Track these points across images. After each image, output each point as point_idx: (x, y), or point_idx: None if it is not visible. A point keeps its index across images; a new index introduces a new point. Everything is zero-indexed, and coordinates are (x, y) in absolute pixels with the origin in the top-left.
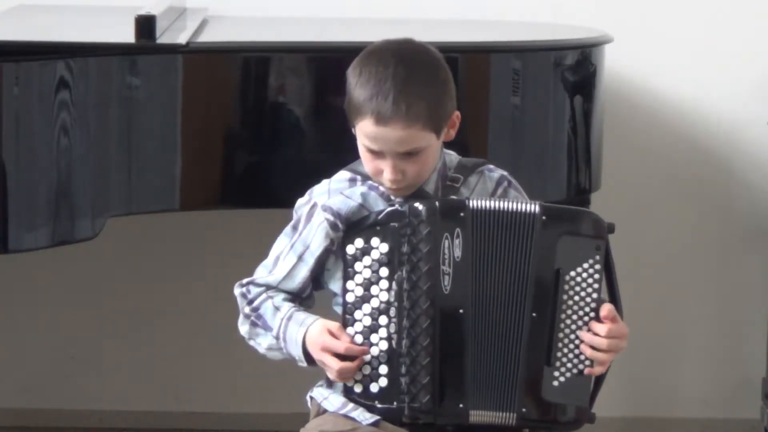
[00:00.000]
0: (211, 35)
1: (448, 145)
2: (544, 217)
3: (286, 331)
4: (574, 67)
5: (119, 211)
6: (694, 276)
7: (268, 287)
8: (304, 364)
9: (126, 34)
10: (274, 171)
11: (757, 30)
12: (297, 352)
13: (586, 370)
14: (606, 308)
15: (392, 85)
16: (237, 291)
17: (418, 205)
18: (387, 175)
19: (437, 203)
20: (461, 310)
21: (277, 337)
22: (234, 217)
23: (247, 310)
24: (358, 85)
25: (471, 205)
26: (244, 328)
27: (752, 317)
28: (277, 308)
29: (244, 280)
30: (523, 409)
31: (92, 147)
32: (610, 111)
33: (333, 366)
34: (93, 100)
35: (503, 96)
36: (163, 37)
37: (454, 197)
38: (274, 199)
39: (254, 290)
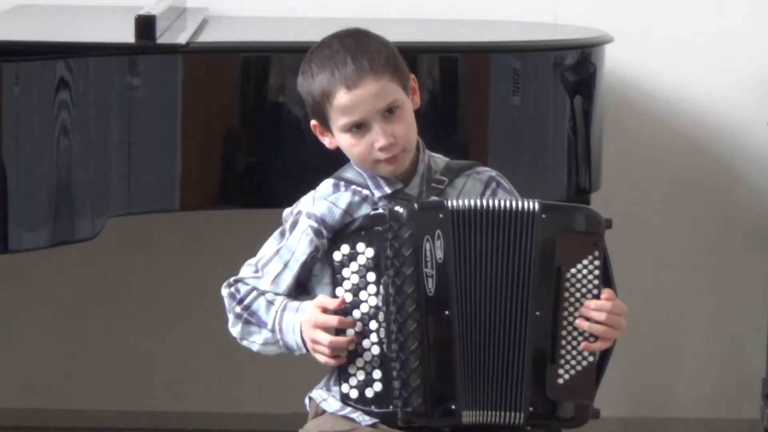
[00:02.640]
0: (211, 35)
1: (445, 147)
2: (543, 215)
3: (282, 321)
4: (574, 67)
5: (119, 211)
6: (694, 276)
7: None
8: (303, 351)
9: (126, 34)
10: (274, 171)
11: (757, 30)
12: (295, 340)
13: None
14: (606, 291)
15: (346, 53)
16: (224, 291)
17: (398, 209)
18: (379, 143)
19: (416, 205)
20: (447, 312)
21: (273, 330)
22: (234, 217)
23: (238, 309)
24: (315, 78)
25: (450, 205)
26: (236, 328)
27: (752, 317)
28: (270, 302)
29: (231, 279)
30: (531, 408)
31: (92, 147)
32: (610, 111)
33: (323, 341)
34: (93, 100)
35: (503, 96)
36: (163, 37)
37: (433, 198)
38: (274, 199)
39: (243, 289)
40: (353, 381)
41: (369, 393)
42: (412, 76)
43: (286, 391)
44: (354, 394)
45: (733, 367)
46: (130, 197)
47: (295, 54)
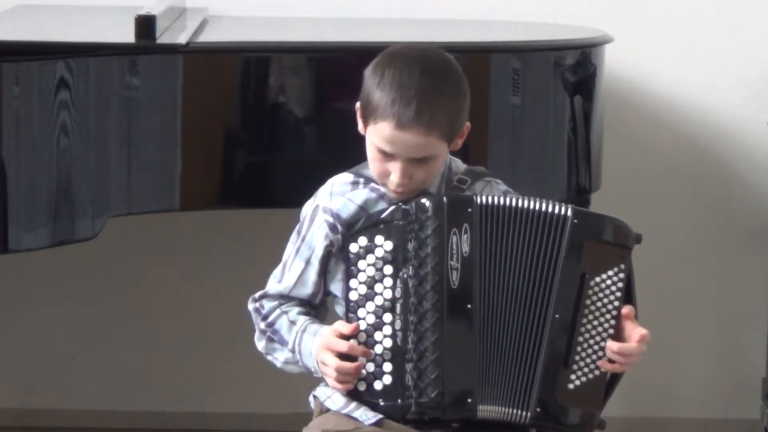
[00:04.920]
0: (211, 35)
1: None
2: (575, 221)
3: (301, 343)
4: (574, 67)
5: (119, 211)
6: (694, 276)
7: (281, 297)
8: (319, 374)
9: (126, 34)
10: (274, 171)
11: (757, 30)
12: (312, 363)
13: (601, 362)
14: (626, 308)
15: (416, 93)
16: (250, 306)
17: (425, 201)
18: (395, 179)
19: (444, 198)
20: (469, 305)
21: (292, 350)
22: (234, 217)
23: (262, 325)
24: (379, 87)
25: (479, 200)
26: (260, 344)
27: (752, 317)
28: (292, 322)
29: (257, 294)
30: (538, 409)
31: (92, 147)
32: (610, 111)
33: (330, 364)
34: (93, 100)
35: (503, 96)
36: (163, 37)
37: (462, 193)
38: (274, 199)
39: (268, 305)
40: (362, 373)
41: (378, 385)
42: (467, 124)
43: (287, 391)
44: (362, 386)
45: (733, 367)
46: (130, 197)
47: (295, 54)
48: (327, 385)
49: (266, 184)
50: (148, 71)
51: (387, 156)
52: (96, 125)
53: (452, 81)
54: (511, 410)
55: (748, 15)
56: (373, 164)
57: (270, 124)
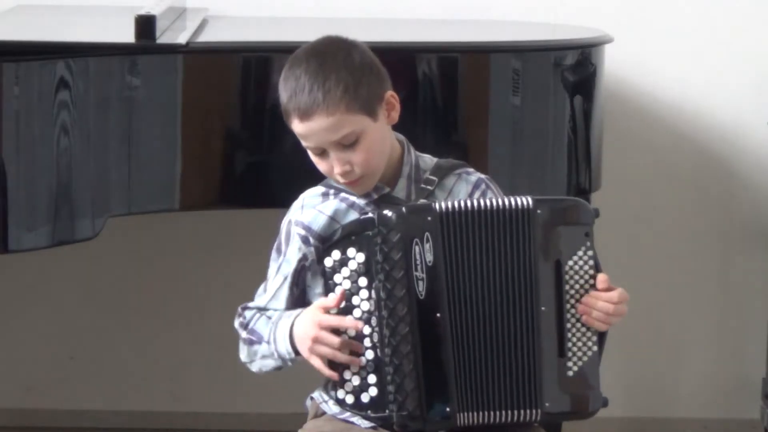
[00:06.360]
0: (211, 35)
1: (445, 147)
2: (538, 211)
3: (276, 329)
4: (574, 67)
5: (119, 211)
6: (694, 276)
7: (261, 309)
8: (292, 355)
9: (126, 34)
10: (274, 171)
11: (757, 30)
12: (284, 346)
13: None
14: (601, 276)
15: (306, 79)
16: (236, 323)
17: (387, 213)
18: (336, 170)
19: (404, 209)
20: (438, 314)
21: (268, 341)
22: (234, 217)
23: (244, 335)
24: (281, 94)
25: (438, 207)
26: (243, 353)
27: (752, 317)
28: (269, 318)
29: (239, 308)
30: (547, 404)
31: (92, 147)
32: (610, 111)
33: (333, 343)
34: (93, 100)
35: (503, 96)
36: (163, 37)
37: (422, 201)
38: (274, 199)
39: (248, 314)
40: (348, 386)
41: (365, 398)
42: (390, 92)
43: (286, 391)
44: (350, 399)
45: (733, 367)
46: (130, 197)
47: None
48: (324, 389)
49: (266, 184)
50: (148, 71)
51: (320, 153)
52: (96, 125)
53: (343, 55)
54: (518, 412)
55: (748, 15)
56: (319, 168)
57: (270, 124)
